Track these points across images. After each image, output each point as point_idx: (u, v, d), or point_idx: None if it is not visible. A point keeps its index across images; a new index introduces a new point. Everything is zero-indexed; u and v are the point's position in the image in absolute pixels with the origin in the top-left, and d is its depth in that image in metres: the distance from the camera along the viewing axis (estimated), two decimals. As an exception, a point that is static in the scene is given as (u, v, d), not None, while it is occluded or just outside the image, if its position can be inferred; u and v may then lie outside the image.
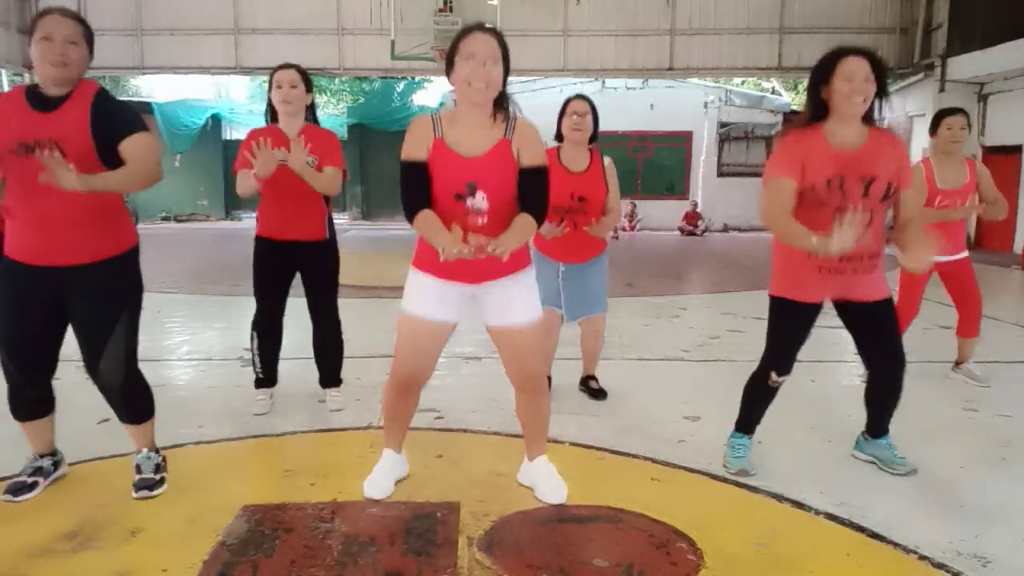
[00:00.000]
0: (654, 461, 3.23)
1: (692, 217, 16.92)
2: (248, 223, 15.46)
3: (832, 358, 4.91)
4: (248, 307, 3.84)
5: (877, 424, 3.17)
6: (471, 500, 2.80)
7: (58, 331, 2.72)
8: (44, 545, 2.46)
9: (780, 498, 2.88)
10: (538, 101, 13.20)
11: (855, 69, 2.70)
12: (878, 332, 2.97)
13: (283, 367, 3.96)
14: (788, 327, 2.99)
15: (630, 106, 16.41)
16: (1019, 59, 10.90)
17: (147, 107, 17.73)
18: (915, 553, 2.47)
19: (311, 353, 3.94)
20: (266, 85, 3.74)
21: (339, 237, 3.86)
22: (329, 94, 22.88)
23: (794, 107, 17.70)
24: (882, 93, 2.77)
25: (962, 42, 12.49)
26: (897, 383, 3.00)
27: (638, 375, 4.73)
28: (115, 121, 2.58)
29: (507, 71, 2.55)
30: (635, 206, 17.10)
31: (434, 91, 20.62)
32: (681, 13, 14.50)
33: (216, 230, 16.95)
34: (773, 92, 19.36)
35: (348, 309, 4.01)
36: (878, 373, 3.04)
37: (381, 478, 2.85)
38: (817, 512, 2.76)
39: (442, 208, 2.52)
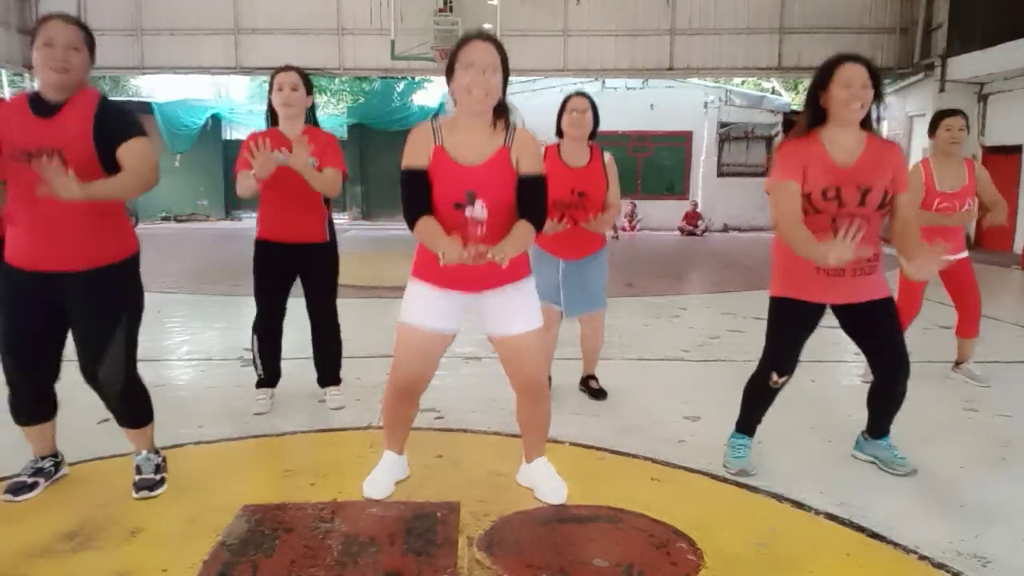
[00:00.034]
0: (654, 461, 3.23)
1: (692, 217, 16.92)
2: (248, 223, 15.47)
3: (832, 358, 4.91)
4: (248, 307, 3.84)
5: (878, 425, 3.17)
6: (471, 500, 2.80)
7: (59, 333, 2.72)
8: (44, 545, 2.46)
9: (780, 498, 2.88)
10: (538, 101, 13.26)
11: (853, 75, 2.73)
12: (879, 332, 2.97)
13: (283, 367, 3.95)
14: (788, 327, 2.99)
15: (630, 106, 16.42)
16: (1019, 59, 10.90)
17: (147, 107, 17.73)
18: (915, 553, 2.47)
19: (311, 353, 3.95)
20: (266, 86, 3.74)
21: (339, 237, 3.86)
22: (329, 94, 22.90)
23: (794, 107, 17.71)
24: (877, 97, 2.79)
25: (962, 42, 12.49)
26: (900, 386, 3.00)
27: (638, 375, 4.73)
28: (115, 126, 2.59)
29: (506, 79, 2.56)
30: (635, 206, 17.10)
31: (434, 91, 20.63)
32: (681, 13, 14.50)
33: (216, 230, 16.94)
34: (773, 92, 19.37)
35: (348, 309, 4.02)
36: (881, 375, 3.04)
37: (381, 478, 2.85)
38: (817, 512, 2.76)
39: (441, 217, 2.53)
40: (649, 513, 2.71)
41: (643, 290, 8.41)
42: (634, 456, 3.29)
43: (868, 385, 3.17)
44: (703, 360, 5.16)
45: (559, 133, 3.90)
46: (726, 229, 17.33)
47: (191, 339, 5.69)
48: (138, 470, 2.88)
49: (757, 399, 3.12)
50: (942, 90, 12.81)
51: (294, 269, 3.71)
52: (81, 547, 2.45)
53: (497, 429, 3.57)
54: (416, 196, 2.54)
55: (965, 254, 4.39)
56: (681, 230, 16.74)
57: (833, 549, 2.52)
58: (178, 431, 3.47)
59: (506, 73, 2.55)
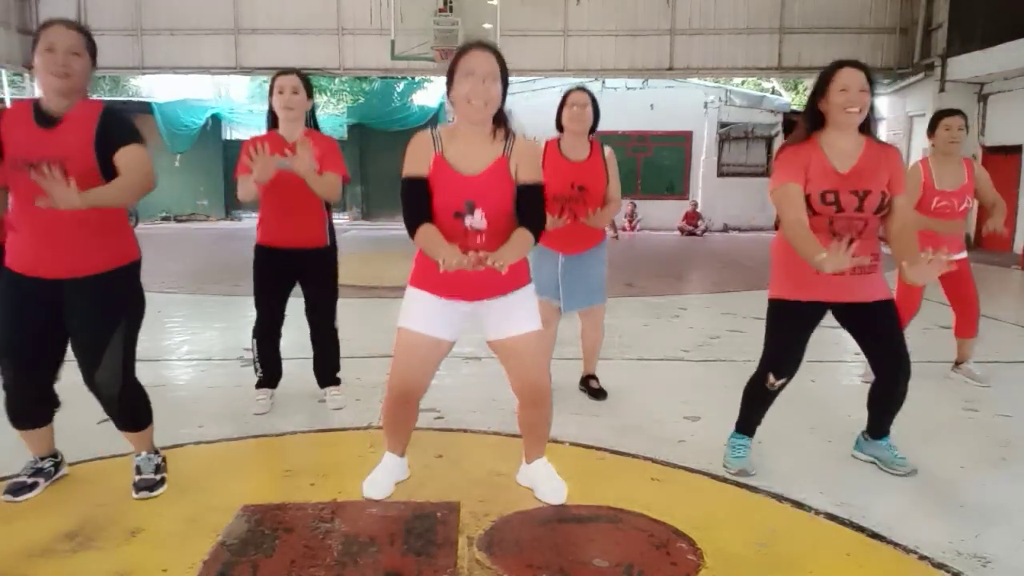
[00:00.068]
0: (654, 461, 3.23)
1: (692, 217, 16.92)
2: (248, 223, 15.48)
3: (832, 358, 4.91)
4: (248, 307, 3.84)
5: (878, 426, 3.17)
6: (471, 500, 2.80)
7: (59, 334, 2.72)
8: (44, 545, 2.46)
9: (780, 498, 2.88)
10: (538, 101, 13.26)
11: (850, 80, 2.77)
12: (880, 333, 2.97)
13: (284, 367, 3.96)
14: (787, 329, 3.00)
15: (630, 106, 16.41)
16: (1019, 59, 10.90)
17: (147, 107, 17.75)
18: (915, 553, 2.47)
19: (311, 353, 3.95)
20: (266, 86, 3.74)
21: (339, 238, 3.86)
22: (329, 94, 22.89)
23: (794, 107, 17.70)
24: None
25: (962, 42, 12.49)
26: (900, 387, 3.00)
27: (638, 375, 4.73)
28: (114, 133, 2.60)
29: (506, 88, 2.58)
30: (635, 206, 17.10)
31: (434, 91, 20.63)
32: (681, 13, 14.51)
33: (216, 230, 16.94)
34: (773, 92, 19.35)
35: (348, 309, 4.02)
36: (882, 376, 3.05)
37: (381, 478, 2.85)
38: (817, 512, 2.76)
39: (441, 226, 2.54)
40: (649, 513, 2.71)
41: (643, 290, 8.41)
42: (634, 456, 3.29)
43: (868, 385, 3.17)
44: (703, 360, 5.16)
45: (559, 128, 3.90)
46: (726, 229, 17.33)
47: (191, 339, 5.70)
48: (138, 470, 2.88)
49: (756, 400, 3.12)
50: (942, 90, 12.81)
51: (294, 273, 3.71)
52: (81, 547, 2.45)
53: (497, 429, 3.57)
54: (417, 204, 2.55)
55: (964, 254, 4.40)
56: (681, 230, 16.74)
57: (833, 549, 2.52)
58: (178, 431, 3.47)
59: (505, 82, 2.57)
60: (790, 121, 16.25)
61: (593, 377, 4.22)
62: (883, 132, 14.52)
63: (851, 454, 3.29)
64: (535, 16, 14.25)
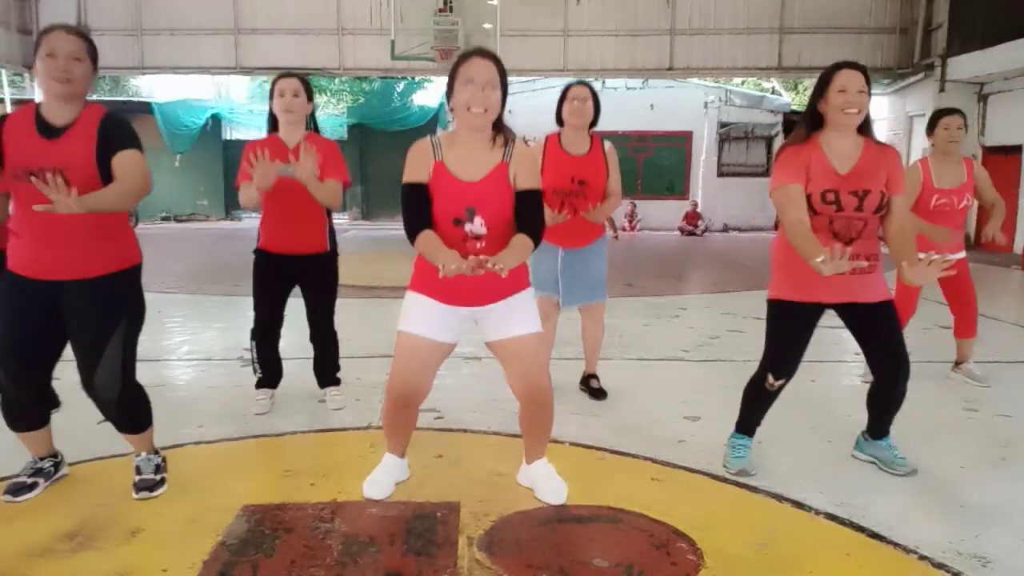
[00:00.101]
0: (654, 461, 3.23)
1: (692, 217, 16.92)
2: (248, 223, 15.48)
3: (832, 358, 4.91)
4: (248, 307, 3.84)
5: (877, 426, 3.18)
6: (471, 500, 2.80)
7: (58, 334, 2.72)
8: (44, 545, 2.46)
9: (780, 498, 2.88)
10: (538, 101, 13.26)
11: (849, 81, 2.79)
12: (879, 334, 2.98)
13: (283, 367, 3.95)
14: (786, 329, 3.00)
15: (630, 106, 16.41)
16: (1019, 59, 10.90)
17: (147, 107, 17.74)
18: (915, 553, 2.47)
19: (311, 353, 3.95)
20: (266, 86, 3.75)
21: (339, 238, 3.87)
22: (329, 94, 22.88)
23: (794, 107, 17.70)
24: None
25: (962, 42, 12.49)
26: (900, 387, 3.00)
27: (638, 375, 4.73)
28: (113, 138, 2.61)
29: (505, 95, 2.60)
30: (635, 206, 17.10)
31: (434, 91, 20.63)
32: (681, 13, 14.50)
33: (216, 230, 16.94)
34: (773, 92, 19.35)
35: (348, 309, 4.02)
36: (881, 376, 3.05)
37: (381, 478, 2.85)
38: (817, 512, 2.76)
39: (441, 233, 2.55)
40: (649, 513, 2.71)
41: (643, 290, 8.41)
42: (634, 456, 3.29)
43: (868, 385, 3.17)
44: (703, 360, 5.16)
45: (559, 122, 3.90)
46: (726, 229, 17.32)
47: (191, 339, 5.70)
48: (138, 470, 2.88)
49: (756, 400, 3.12)
50: (942, 90, 12.81)
51: (293, 277, 3.72)
52: (81, 547, 2.45)
53: (497, 429, 3.57)
54: (416, 210, 2.57)
55: (963, 254, 4.40)
56: (681, 230, 16.74)
57: (833, 549, 2.52)
58: (178, 431, 3.47)
59: (505, 89, 2.59)
60: (790, 121, 16.25)
61: (594, 376, 4.22)
62: (883, 132, 14.52)
63: (851, 454, 3.29)
64: (535, 16, 14.25)
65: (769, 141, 17.51)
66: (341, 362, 4.00)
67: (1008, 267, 10.52)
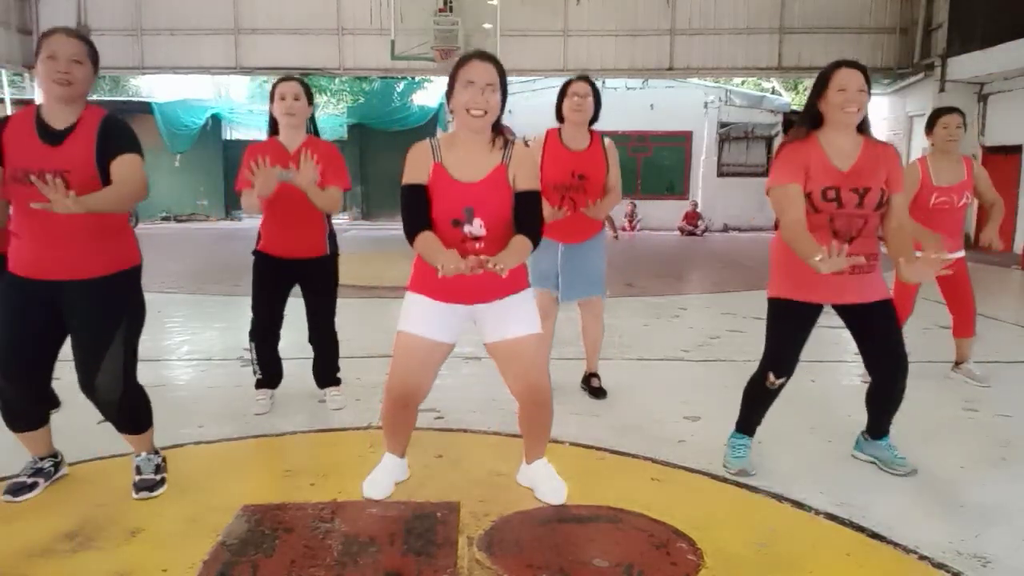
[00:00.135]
0: (654, 461, 3.23)
1: (692, 217, 16.91)
2: (248, 223, 15.47)
3: (832, 358, 4.91)
4: (248, 307, 3.84)
5: (877, 425, 3.18)
6: (471, 500, 2.80)
7: (58, 336, 2.72)
8: (44, 545, 2.46)
9: (780, 498, 2.88)
10: (538, 101, 13.25)
11: (848, 80, 2.80)
12: (877, 333, 2.98)
13: (283, 368, 3.95)
14: (786, 328, 3.00)
15: (630, 106, 16.39)
16: (1019, 59, 10.90)
17: (147, 107, 17.73)
18: (915, 553, 2.48)
19: (311, 353, 3.95)
20: (266, 86, 3.75)
21: (339, 238, 3.87)
22: (329, 94, 22.88)
23: (794, 107, 17.69)
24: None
25: (962, 42, 12.49)
26: (898, 386, 3.00)
27: (638, 375, 4.73)
28: (112, 141, 2.62)
29: (504, 97, 2.61)
30: (635, 206, 17.10)
31: (434, 91, 20.62)
32: (681, 13, 14.50)
33: (216, 230, 16.93)
34: (773, 92, 19.35)
35: (348, 309, 4.02)
36: (879, 376, 3.05)
37: (381, 478, 2.85)
38: (817, 512, 2.77)
39: (440, 234, 2.56)
40: (649, 513, 2.71)
41: (643, 290, 8.41)
42: (634, 456, 3.29)
43: (868, 385, 3.17)
44: (703, 360, 5.16)
45: (559, 118, 3.90)
46: (726, 229, 17.32)
47: (191, 339, 5.70)
48: (138, 470, 2.88)
49: (756, 400, 3.12)
50: (942, 90, 12.81)
51: (293, 281, 3.74)
52: (81, 547, 2.45)
53: (497, 429, 3.57)
54: (416, 212, 2.58)
55: (961, 254, 4.40)
56: (681, 230, 16.73)
57: (833, 549, 2.52)
58: (178, 431, 3.47)
59: (504, 91, 2.60)
60: (790, 121, 16.24)
61: (595, 375, 4.22)
62: (883, 132, 14.52)
63: (851, 454, 3.29)
64: (535, 16, 14.24)
65: (769, 141, 17.50)
66: (341, 362, 4.00)
67: (1008, 267, 10.52)
